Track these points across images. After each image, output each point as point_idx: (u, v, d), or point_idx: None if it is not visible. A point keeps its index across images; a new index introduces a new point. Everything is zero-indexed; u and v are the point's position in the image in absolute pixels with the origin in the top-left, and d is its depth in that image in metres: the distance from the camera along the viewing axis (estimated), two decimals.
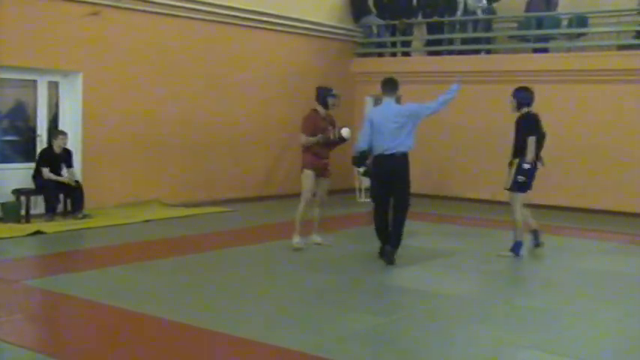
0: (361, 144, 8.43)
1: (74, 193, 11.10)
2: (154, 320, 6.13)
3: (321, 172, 9.22)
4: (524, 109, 8.89)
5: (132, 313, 6.32)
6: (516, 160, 8.83)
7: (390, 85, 8.55)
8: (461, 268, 8.63)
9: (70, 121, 11.77)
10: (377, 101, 9.51)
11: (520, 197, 8.93)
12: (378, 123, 8.31)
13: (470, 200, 14.66)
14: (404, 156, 8.30)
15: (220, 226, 11.08)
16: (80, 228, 10.46)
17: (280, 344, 5.53)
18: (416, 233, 10.48)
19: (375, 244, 8.57)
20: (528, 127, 8.78)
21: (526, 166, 8.75)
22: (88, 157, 11.68)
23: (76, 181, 11.17)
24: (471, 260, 9.05)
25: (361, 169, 9.37)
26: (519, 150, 8.81)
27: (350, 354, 5.38)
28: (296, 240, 9.18)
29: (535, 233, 9.24)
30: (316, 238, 9.51)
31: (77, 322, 6.23)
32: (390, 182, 8.34)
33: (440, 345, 5.72)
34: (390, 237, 8.38)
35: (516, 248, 8.99)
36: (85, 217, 10.94)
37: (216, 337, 5.76)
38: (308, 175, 9.15)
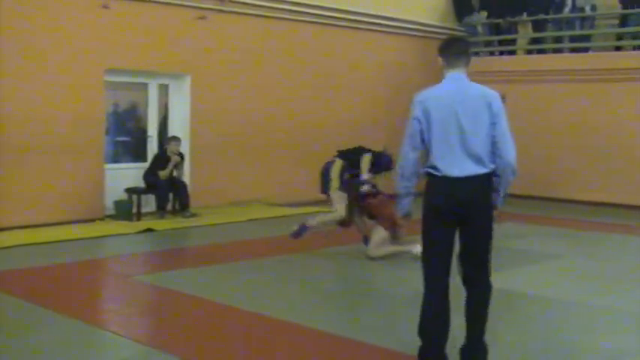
0: (402, 159, 4.83)
1: (182, 192, 11.44)
2: (259, 317, 6.26)
3: None
4: None
5: (237, 310, 6.47)
6: None
7: (459, 45, 4.92)
8: (569, 271, 8.43)
9: (179, 123, 12.17)
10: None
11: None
12: (438, 117, 4.71)
13: (573, 201, 14.28)
14: (483, 180, 4.71)
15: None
16: (188, 226, 10.80)
17: (388, 347, 5.53)
18: (518, 235, 10.32)
19: None
20: None
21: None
22: (195, 157, 12.04)
23: (182, 181, 11.49)
24: (580, 264, 8.84)
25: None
26: None
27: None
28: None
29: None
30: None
31: (184, 317, 6.41)
32: (457, 226, 4.75)
33: (544, 351, 5.61)
34: (468, 336, 4.88)
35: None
36: (192, 215, 11.27)
37: (322, 336, 5.83)
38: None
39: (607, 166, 14.07)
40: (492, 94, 4.75)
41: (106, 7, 10.81)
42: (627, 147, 13.88)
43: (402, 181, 4.82)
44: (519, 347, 5.63)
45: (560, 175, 14.76)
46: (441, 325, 4.74)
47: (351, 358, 5.45)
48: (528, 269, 8.44)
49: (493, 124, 4.65)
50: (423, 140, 4.71)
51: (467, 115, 4.65)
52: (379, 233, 8.63)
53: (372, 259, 8.57)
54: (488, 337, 5.44)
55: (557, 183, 14.79)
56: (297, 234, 8.80)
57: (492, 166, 4.69)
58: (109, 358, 5.52)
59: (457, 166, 4.63)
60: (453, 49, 4.85)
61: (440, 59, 4.88)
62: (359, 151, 9.05)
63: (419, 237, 4.97)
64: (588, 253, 9.53)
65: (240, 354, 5.44)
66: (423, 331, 4.79)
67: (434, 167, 4.70)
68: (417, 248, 8.04)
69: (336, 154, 9.15)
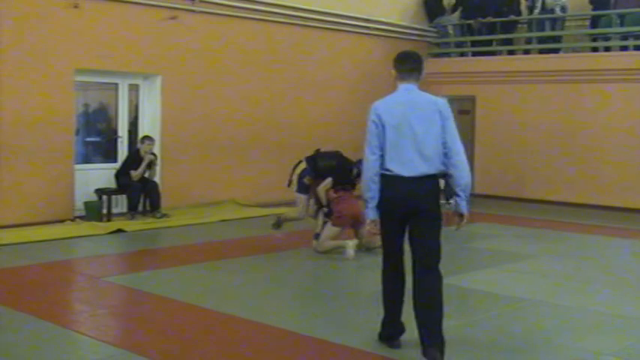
0: (372, 163, 5.15)
1: (153, 193, 11.37)
2: (230, 318, 6.26)
3: None
4: None
5: (208, 311, 6.46)
6: None
7: (412, 62, 5.34)
8: (541, 272, 8.50)
9: (150, 123, 12.10)
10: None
11: None
12: (392, 124, 5.14)
13: (544, 202, 14.40)
14: (432, 179, 5.17)
15: (293, 227, 11.14)
16: (159, 227, 10.75)
17: (352, 345, 5.57)
18: (490, 235, 10.41)
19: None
20: None
21: None
22: (166, 157, 11.97)
23: (153, 181, 11.43)
24: (552, 264, 8.91)
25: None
26: None
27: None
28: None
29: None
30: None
31: (156, 318, 6.40)
32: (406, 220, 5.18)
33: (517, 351, 5.64)
34: (418, 319, 5.12)
35: None
36: (163, 216, 11.22)
37: (291, 336, 5.85)
38: None
39: (580, 167, 14.18)
40: (441, 101, 5.26)
41: (76, 6, 10.72)
42: (600, 148, 13.99)
43: (370, 185, 5.18)
44: (492, 347, 5.67)
45: (533, 176, 14.87)
46: (397, 297, 5.37)
47: (320, 358, 5.47)
48: (500, 269, 8.49)
49: (443, 127, 5.12)
50: (380, 143, 5.15)
51: (419, 120, 5.12)
52: (327, 229, 8.91)
53: (318, 252, 8.90)
54: (461, 338, 5.50)
55: (529, 183, 14.91)
56: (277, 225, 9.65)
57: (442, 168, 5.16)
58: None
59: (409, 166, 5.09)
60: (407, 65, 5.32)
61: (394, 72, 5.36)
62: (328, 160, 9.37)
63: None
64: (560, 253, 9.60)
65: (211, 355, 5.43)
66: (384, 303, 5.43)
67: (387, 168, 5.13)
68: (350, 244, 8.59)
69: (314, 153, 9.58)
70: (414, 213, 5.10)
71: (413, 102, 5.19)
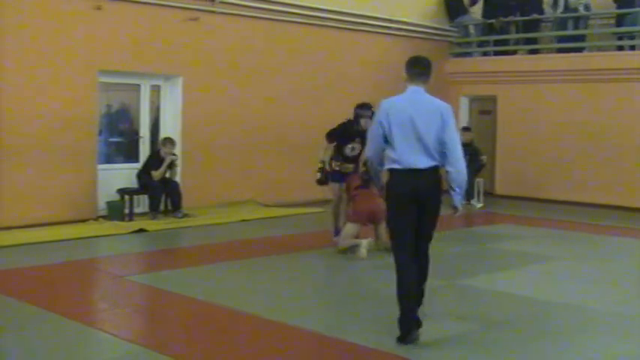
0: (369, 153, 5.91)
1: (174, 192, 11.45)
2: (251, 317, 6.30)
3: None
4: None
5: (229, 310, 6.50)
6: None
7: (420, 66, 5.82)
8: (564, 273, 8.45)
9: (171, 124, 12.18)
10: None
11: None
12: (397, 121, 5.62)
13: (567, 203, 14.29)
14: (435, 172, 5.69)
15: (313, 227, 11.19)
16: (180, 227, 10.82)
17: (373, 347, 5.57)
18: (510, 236, 10.36)
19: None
20: None
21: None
22: (187, 157, 12.05)
23: (174, 181, 11.51)
24: (575, 266, 8.85)
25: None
26: None
27: None
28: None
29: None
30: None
31: (176, 317, 6.45)
32: (414, 211, 5.61)
33: (539, 355, 5.60)
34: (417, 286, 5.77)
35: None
36: (184, 216, 11.29)
37: (312, 336, 5.88)
38: None
39: (603, 168, 14.04)
40: (444, 104, 5.74)
41: (99, 8, 10.82)
42: (622, 148, 13.86)
43: (374, 176, 6.10)
44: (512, 350, 5.67)
45: (555, 176, 14.75)
46: (413, 292, 5.60)
47: (339, 358, 5.49)
48: (521, 271, 8.46)
49: (443, 129, 5.60)
50: (385, 139, 5.64)
51: (421, 119, 5.59)
52: (347, 227, 9.00)
53: (339, 251, 8.96)
54: (481, 341, 5.49)
55: (551, 184, 14.80)
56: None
57: (441, 162, 5.66)
58: (102, 357, 5.54)
59: (415, 160, 5.57)
60: (416, 69, 5.80)
61: (404, 74, 5.83)
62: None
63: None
64: (583, 255, 9.53)
65: (231, 353, 5.46)
66: (400, 298, 5.59)
67: (396, 162, 5.62)
68: (363, 244, 8.70)
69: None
70: (422, 202, 5.60)
71: (418, 102, 5.68)
